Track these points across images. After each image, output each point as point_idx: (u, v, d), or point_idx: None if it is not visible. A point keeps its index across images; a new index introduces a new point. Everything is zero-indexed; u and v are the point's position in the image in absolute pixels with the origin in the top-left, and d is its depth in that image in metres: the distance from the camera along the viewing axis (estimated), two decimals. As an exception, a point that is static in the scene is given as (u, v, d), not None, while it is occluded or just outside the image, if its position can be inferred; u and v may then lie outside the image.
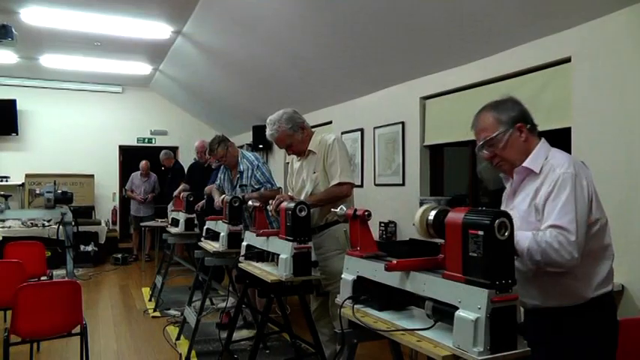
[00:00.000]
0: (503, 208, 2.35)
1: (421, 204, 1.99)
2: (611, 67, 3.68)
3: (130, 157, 11.80)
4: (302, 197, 3.70)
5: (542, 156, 2.19)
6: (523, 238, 2.00)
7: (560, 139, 3.97)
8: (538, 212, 2.10)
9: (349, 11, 5.10)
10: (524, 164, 2.19)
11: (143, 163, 10.48)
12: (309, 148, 3.81)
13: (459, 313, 1.65)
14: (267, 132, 3.87)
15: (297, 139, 3.82)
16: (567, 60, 4.04)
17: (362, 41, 5.55)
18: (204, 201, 6.11)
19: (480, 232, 1.63)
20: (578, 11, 3.79)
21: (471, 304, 1.62)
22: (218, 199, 5.17)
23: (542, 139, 2.26)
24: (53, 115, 11.30)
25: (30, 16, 6.75)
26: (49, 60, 9.40)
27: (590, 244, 2.09)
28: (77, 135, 11.44)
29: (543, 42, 4.22)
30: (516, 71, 4.47)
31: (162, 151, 9.85)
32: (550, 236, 1.99)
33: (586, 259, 2.08)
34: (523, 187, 2.23)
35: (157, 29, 7.47)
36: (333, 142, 3.69)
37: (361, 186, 6.95)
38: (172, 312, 6.26)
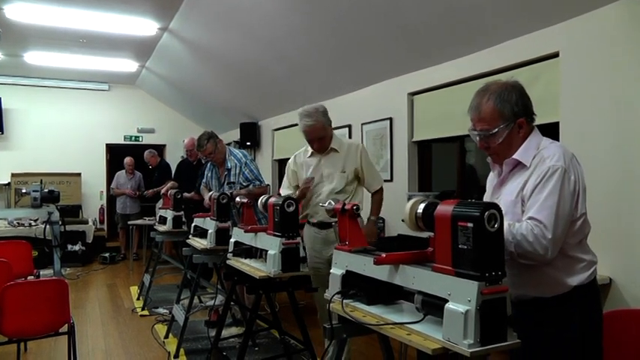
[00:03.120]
0: (489, 196, 2.34)
1: (409, 199, 1.97)
2: (599, 62, 3.69)
3: (117, 155, 11.72)
4: (322, 192, 3.85)
5: (533, 147, 2.14)
6: None
7: (548, 133, 3.99)
8: (524, 204, 2.07)
9: (336, 7, 5.08)
10: (514, 156, 2.15)
11: (128, 159, 10.34)
12: (332, 146, 3.92)
13: (449, 305, 1.64)
14: (304, 121, 3.85)
15: (328, 134, 3.91)
16: (555, 55, 4.06)
17: (349, 37, 5.54)
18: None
19: (470, 224, 1.62)
20: (566, 6, 3.80)
21: (461, 297, 1.62)
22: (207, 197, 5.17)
23: (535, 129, 2.21)
24: (39, 113, 11.21)
25: (14, 12, 6.68)
26: (34, 57, 9.30)
27: (573, 237, 2.08)
28: (63, 133, 11.35)
29: (531, 37, 4.23)
30: (504, 66, 4.48)
31: (147, 150, 9.80)
32: (526, 228, 1.96)
33: (568, 250, 2.08)
34: (511, 177, 2.19)
35: (143, 26, 7.42)
36: (363, 148, 3.97)
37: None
38: (161, 310, 6.22)
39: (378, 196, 4.03)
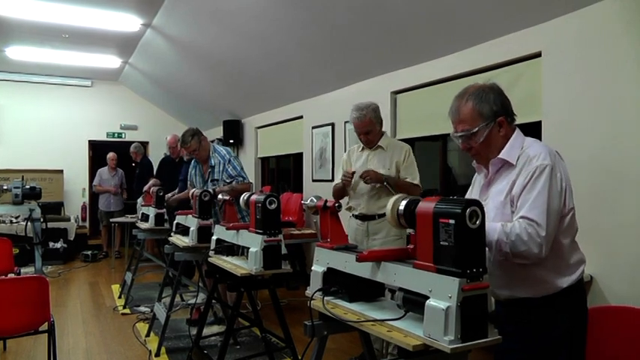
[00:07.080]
0: (475, 197, 2.33)
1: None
2: (581, 61, 3.72)
3: (99, 152, 11.62)
4: (366, 186, 4.09)
5: (517, 146, 2.15)
6: (492, 229, 1.97)
7: (530, 132, 4.02)
8: (513, 204, 2.07)
9: (321, 5, 5.08)
10: (500, 156, 2.15)
11: (111, 154, 10.28)
12: (379, 144, 4.19)
13: (430, 302, 1.63)
14: (353, 114, 4.18)
15: (375, 130, 4.17)
16: (538, 55, 4.08)
17: (333, 35, 5.54)
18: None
19: (451, 221, 1.61)
20: (548, 6, 3.82)
21: (442, 293, 1.61)
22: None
23: (517, 130, 2.21)
24: (20, 108, 11.08)
25: (-5, 6, 6.60)
26: (16, 52, 9.21)
27: (564, 236, 2.09)
28: (45, 129, 11.23)
29: (514, 37, 4.25)
30: (487, 66, 4.50)
31: (133, 144, 9.74)
32: (520, 228, 1.96)
33: (561, 251, 2.09)
34: (498, 178, 2.18)
35: (126, 21, 7.36)
36: (409, 149, 4.23)
37: (332, 180, 6.94)
38: (142, 308, 6.18)
39: (412, 186, 4.07)
